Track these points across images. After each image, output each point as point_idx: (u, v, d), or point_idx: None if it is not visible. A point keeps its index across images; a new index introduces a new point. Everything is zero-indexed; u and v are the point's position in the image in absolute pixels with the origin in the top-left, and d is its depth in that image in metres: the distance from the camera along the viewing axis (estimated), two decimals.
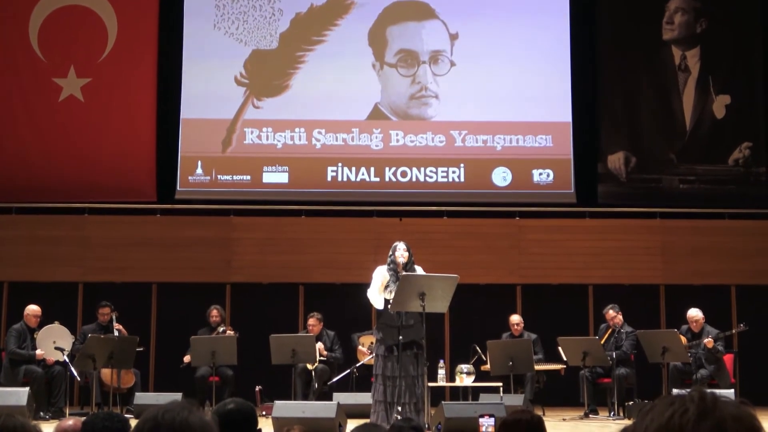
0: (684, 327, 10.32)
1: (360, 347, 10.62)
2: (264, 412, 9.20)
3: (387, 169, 12.22)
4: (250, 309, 11.61)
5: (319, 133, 12.23)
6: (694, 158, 12.44)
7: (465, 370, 9.45)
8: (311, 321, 10.53)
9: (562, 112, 12.33)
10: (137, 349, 9.88)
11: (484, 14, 12.49)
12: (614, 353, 10.04)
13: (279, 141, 12.20)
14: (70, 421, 3.58)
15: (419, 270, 7.95)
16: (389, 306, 7.75)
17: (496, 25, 12.48)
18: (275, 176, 12.15)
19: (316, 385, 10.01)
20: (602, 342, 10.21)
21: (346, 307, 10.99)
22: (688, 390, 1.25)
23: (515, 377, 9.74)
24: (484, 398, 9.36)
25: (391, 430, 3.41)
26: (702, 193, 12.35)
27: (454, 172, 12.22)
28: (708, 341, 9.95)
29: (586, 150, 12.40)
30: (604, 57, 12.63)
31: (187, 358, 10.16)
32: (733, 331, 10.56)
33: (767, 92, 12.62)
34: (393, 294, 7.66)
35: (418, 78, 12.36)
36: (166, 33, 12.28)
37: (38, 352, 9.69)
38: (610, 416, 9.74)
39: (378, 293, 7.83)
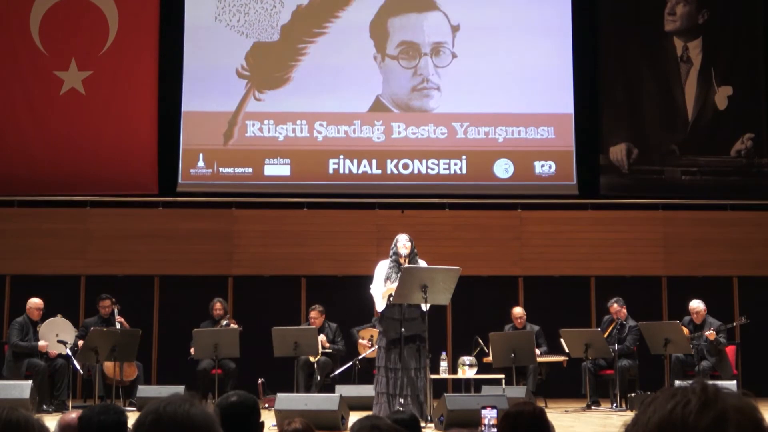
0: (686, 318, 10.32)
1: (360, 341, 10.62)
2: (266, 405, 9.22)
3: (389, 161, 12.21)
4: (252, 301, 11.62)
5: (321, 125, 12.22)
6: (697, 149, 12.42)
7: (467, 362, 9.45)
8: (313, 313, 10.54)
9: (564, 103, 12.32)
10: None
11: (485, 5, 12.47)
12: (617, 347, 10.03)
13: (280, 133, 12.20)
14: (72, 414, 3.58)
15: (422, 263, 7.96)
16: (391, 298, 7.76)
17: (498, 16, 12.45)
18: (277, 169, 12.15)
19: (319, 378, 10.02)
20: (605, 335, 10.20)
21: (348, 300, 11.00)
22: (690, 382, 1.25)
23: (517, 369, 9.74)
24: (486, 390, 9.37)
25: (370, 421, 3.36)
26: (704, 185, 12.34)
27: (455, 164, 12.22)
28: (709, 333, 9.94)
29: (588, 141, 12.39)
30: (605, 48, 12.61)
31: (193, 351, 10.17)
32: (735, 323, 10.55)
33: None
34: (395, 286, 7.67)
35: (420, 70, 12.35)
36: (167, 25, 12.27)
37: (41, 343, 9.70)
38: (612, 408, 9.75)
39: (382, 299, 7.83)
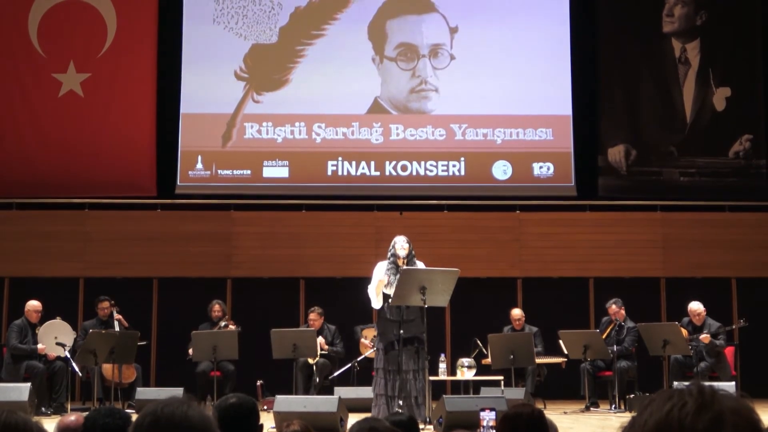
0: (685, 319, 10.32)
1: (363, 340, 10.63)
2: (265, 407, 9.22)
3: (387, 163, 12.21)
4: (250, 303, 11.62)
5: (319, 127, 12.23)
6: (695, 151, 12.43)
7: (466, 364, 9.46)
8: (312, 315, 10.54)
9: (563, 105, 12.32)
10: (140, 343, 9.92)
11: (483, 7, 12.48)
12: (615, 348, 10.03)
13: (279, 135, 12.20)
14: (71, 417, 3.58)
15: (420, 265, 7.96)
16: (390, 300, 7.77)
17: (496, 18, 12.47)
18: (275, 170, 12.15)
19: (318, 380, 10.02)
20: (604, 336, 10.20)
21: (346, 301, 10.99)
22: (687, 384, 1.25)
23: (516, 371, 9.74)
24: (485, 392, 9.36)
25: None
26: (703, 186, 12.35)
27: (454, 165, 12.22)
28: (704, 337, 9.94)
29: (587, 143, 12.40)
30: (604, 50, 12.61)
31: (192, 351, 10.16)
32: (734, 326, 10.56)
33: (767, 84, 12.60)
34: (394, 288, 7.67)
35: (418, 72, 12.35)
36: (166, 28, 12.27)
37: (40, 346, 9.70)
38: (611, 409, 9.75)
39: (375, 294, 7.85)
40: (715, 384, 1.26)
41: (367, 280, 8.08)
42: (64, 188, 11.87)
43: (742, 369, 11.23)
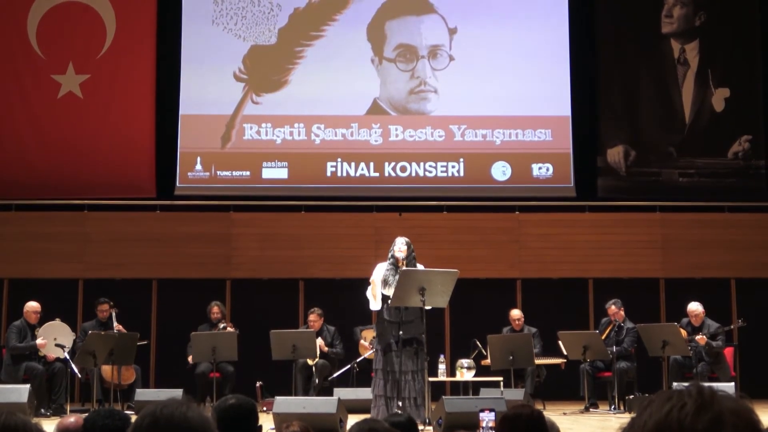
0: (684, 320, 10.32)
1: (362, 341, 10.62)
2: (265, 408, 9.22)
3: (386, 164, 12.21)
4: (250, 305, 11.61)
5: (319, 128, 12.23)
6: (694, 151, 12.43)
7: (465, 365, 9.46)
8: (312, 317, 10.53)
9: (562, 106, 12.33)
10: (141, 342, 9.91)
11: (483, 8, 12.48)
12: (615, 349, 10.04)
13: (278, 136, 12.20)
14: (71, 418, 3.58)
15: (419, 266, 7.96)
16: (389, 301, 7.78)
17: (495, 19, 12.47)
18: (275, 172, 12.15)
19: (317, 381, 10.02)
20: (603, 337, 10.21)
21: (346, 303, 10.99)
22: (687, 384, 1.25)
23: (516, 371, 9.74)
24: (484, 393, 9.36)
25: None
26: (702, 187, 12.35)
27: (453, 166, 12.22)
28: (700, 338, 9.94)
29: (586, 144, 12.40)
30: (603, 50, 12.62)
31: (192, 359, 10.14)
32: (732, 327, 10.56)
33: (766, 85, 12.61)
34: (393, 289, 7.68)
35: (417, 73, 12.35)
36: (165, 29, 12.27)
37: (39, 341, 9.67)
38: (610, 410, 9.75)
39: (372, 297, 7.86)
40: (715, 385, 1.27)
41: (366, 281, 8.09)
42: (64, 189, 11.86)
43: (742, 370, 11.23)
